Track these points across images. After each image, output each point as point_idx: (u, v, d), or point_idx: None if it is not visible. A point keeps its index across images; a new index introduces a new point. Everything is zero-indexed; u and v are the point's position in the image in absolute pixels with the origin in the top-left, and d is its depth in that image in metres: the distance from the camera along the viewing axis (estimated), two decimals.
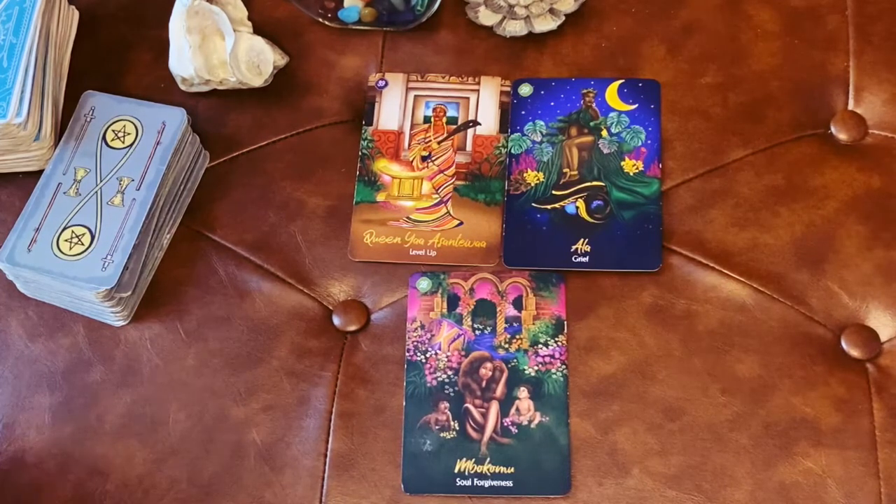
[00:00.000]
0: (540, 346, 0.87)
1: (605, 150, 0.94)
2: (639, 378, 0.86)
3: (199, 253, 0.93)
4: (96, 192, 0.90)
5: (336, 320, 0.90)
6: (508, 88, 0.98)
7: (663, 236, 0.91)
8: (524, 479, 0.83)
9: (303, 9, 1.01)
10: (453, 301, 0.89)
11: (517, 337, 0.88)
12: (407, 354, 0.88)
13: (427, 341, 0.88)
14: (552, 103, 0.97)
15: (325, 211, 0.94)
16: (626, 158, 0.94)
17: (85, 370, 0.89)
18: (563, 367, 0.86)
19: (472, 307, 0.89)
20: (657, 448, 0.84)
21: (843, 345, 0.87)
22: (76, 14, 1.01)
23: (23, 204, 0.90)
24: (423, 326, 0.88)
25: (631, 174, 0.93)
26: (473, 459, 0.84)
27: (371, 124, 0.97)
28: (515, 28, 0.99)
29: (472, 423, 0.85)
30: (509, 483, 0.83)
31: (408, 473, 0.84)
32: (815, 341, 0.87)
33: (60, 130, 0.95)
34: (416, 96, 0.98)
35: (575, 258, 0.90)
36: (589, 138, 0.95)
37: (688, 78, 0.97)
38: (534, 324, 0.88)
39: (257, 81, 0.96)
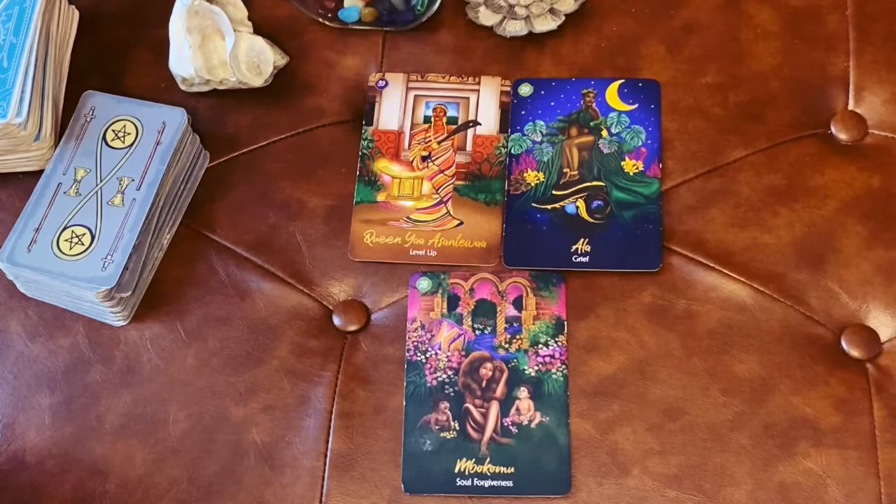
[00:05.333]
0: (540, 346, 0.87)
1: (605, 150, 0.94)
2: (639, 378, 0.86)
3: (199, 253, 0.93)
4: (96, 192, 0.90)
5: (336, 320, 0.90)
6: (508, 88, 0.98)
7: (663, 236, 0.91)
8: (524, 479, 0.83)
9: (303, 9, 1.01)
10: (453, 301, 0.89)
11: (517, 337, 0.88)
12: (407, 354, 0.88)
13: (427, 341, 0.88)
14: (552, 103, 0.97)
15: (325, 211, 0.94)
16: (626, 158, 0.94)
17: (85, 370, 0.89)
18: (563, 367, 0.86)
19: (473, 307, 0.89)
20: (657, 448, 0.84)
21: (843, 345, 0.87)
22: (76, 14, 1.01)
23: (23, 204, 0.90)
24: (423, 326, 0.88)
25: (631, 174, 0.93)
26: (473, 459, 0.84)
27: (371, 124, 0.97)
28: (515, 28, 0.99)
29: (472, 423, 0.85)
30: (509, 483, 0.83)
31: (408, 473, 0.84)
32: (815, 341, 0.87)
33: (60, 130, 0.95)
34: (416, 96, 0.98)
35: (575, 258, 0.90)
36: (589, 138, 0.95)
37: (688, 78, 0.97)
38: (534, 324, 0.88)
39: (257, 81, 0.96)
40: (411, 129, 0.97)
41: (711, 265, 0.90)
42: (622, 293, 0.89)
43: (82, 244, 0.88)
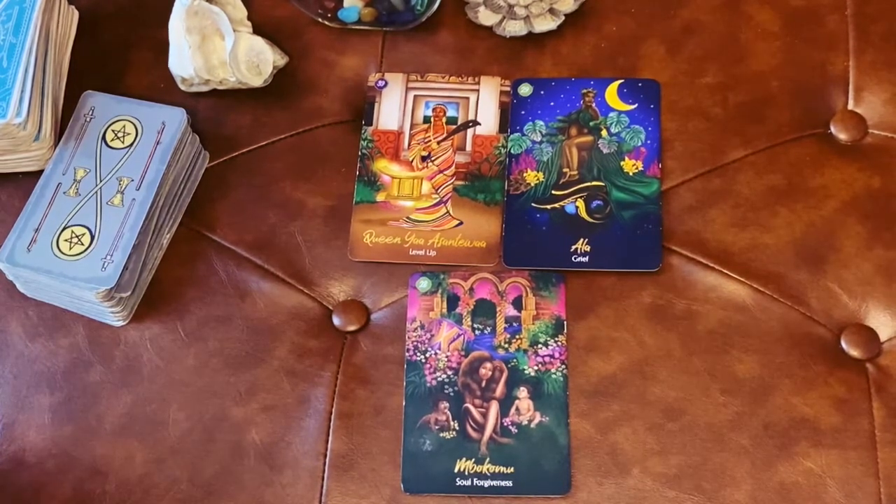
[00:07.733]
0: (540, 345, 0.87)
1: (605, 150, 0.94)
2: (639, 378, 0.86)
3: (199, 253, 0.93)
4: (96, 192, 0.90)
5: (336, 320, 0.90)
6: (508, 88, 0.98)
7: (663, 236, 0.91)
8: (524, 479, 0.83)
9: (303, 9, 1.01)
10: (453, 301, 0.89)
11: (517, 337, 0.88)
12: (407, 354, 0.88)
13: (427, 341, 0.88)
14: (552, 103, 0.97)
15: (325, 211, 0.94)
16: (626, 158, 0.94)
17: (85, 370, 0.89)
18: (563, 367, 0.86)
19: (472, 307, 0.89)
20: (657, 448, 0.84)
21: (843, 345, 0.87)
22: (76, 14, 1.01)
23: (23, 204, 0.90)
24: (422, 326, 0.88)
25: (631, 174, 0.93)
26: (473, 459, 0.84)
27: (371, 124, 0.97)
28: (515, 28, 0.99)
29: (471, 422, 0.85)
30: (509, 483, 0.83)
31: (408, 473, 0.84)
32: (815, 341, 0.87)
33: (60, 130, 0.95)
34: (415, 96, 0.98)
35: (575, 258, 0.90)
36: (589, 138, 0.95)
37: (688, 78, 0.97)
38: (534, 324, 0.88)
39: (257, 81, 0.96)
40: (411, 129, 0.97)
41: (711, 265, 0.90)
42: (622, 293, 0.89)
43: (82, 244, 0.88)
